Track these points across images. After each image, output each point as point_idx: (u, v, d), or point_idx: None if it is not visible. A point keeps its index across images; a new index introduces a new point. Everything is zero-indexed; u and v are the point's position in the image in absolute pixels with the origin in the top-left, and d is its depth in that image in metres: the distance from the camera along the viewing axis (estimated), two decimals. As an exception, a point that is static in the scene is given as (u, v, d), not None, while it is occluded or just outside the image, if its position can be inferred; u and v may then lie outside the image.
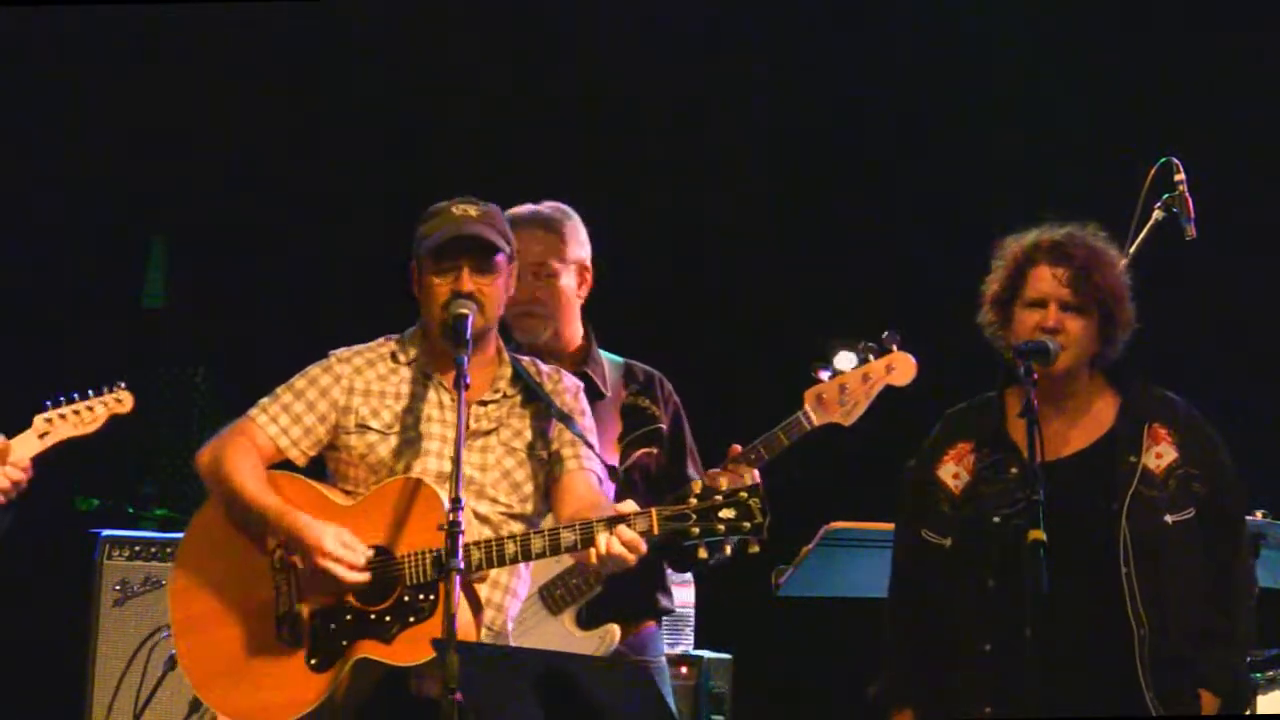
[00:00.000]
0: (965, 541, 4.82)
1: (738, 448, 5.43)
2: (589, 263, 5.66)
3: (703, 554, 4.70)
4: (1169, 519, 4.78)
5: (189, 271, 8.37)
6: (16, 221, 7.91)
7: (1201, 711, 4.73)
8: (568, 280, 5.60)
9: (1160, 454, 4.83)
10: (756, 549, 4.66)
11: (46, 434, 5.56)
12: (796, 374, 5.47)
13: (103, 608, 6.65)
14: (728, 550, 4.72)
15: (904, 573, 4.96)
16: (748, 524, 4.63)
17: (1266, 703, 6.02)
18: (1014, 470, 4.79)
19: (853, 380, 5.40)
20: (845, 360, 5.40)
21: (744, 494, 4.63)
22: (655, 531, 4.65)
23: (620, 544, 4.65)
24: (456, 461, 4.63)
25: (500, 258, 4.95)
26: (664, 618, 5.67)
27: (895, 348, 5.39)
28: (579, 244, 5.64)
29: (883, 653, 4.96)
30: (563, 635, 5.45)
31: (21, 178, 7.92)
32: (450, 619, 4.46)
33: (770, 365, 7.15)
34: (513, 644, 5.11)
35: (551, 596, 5.49)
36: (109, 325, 8.18)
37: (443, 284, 4.92)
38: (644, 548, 4.68)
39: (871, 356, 5.40)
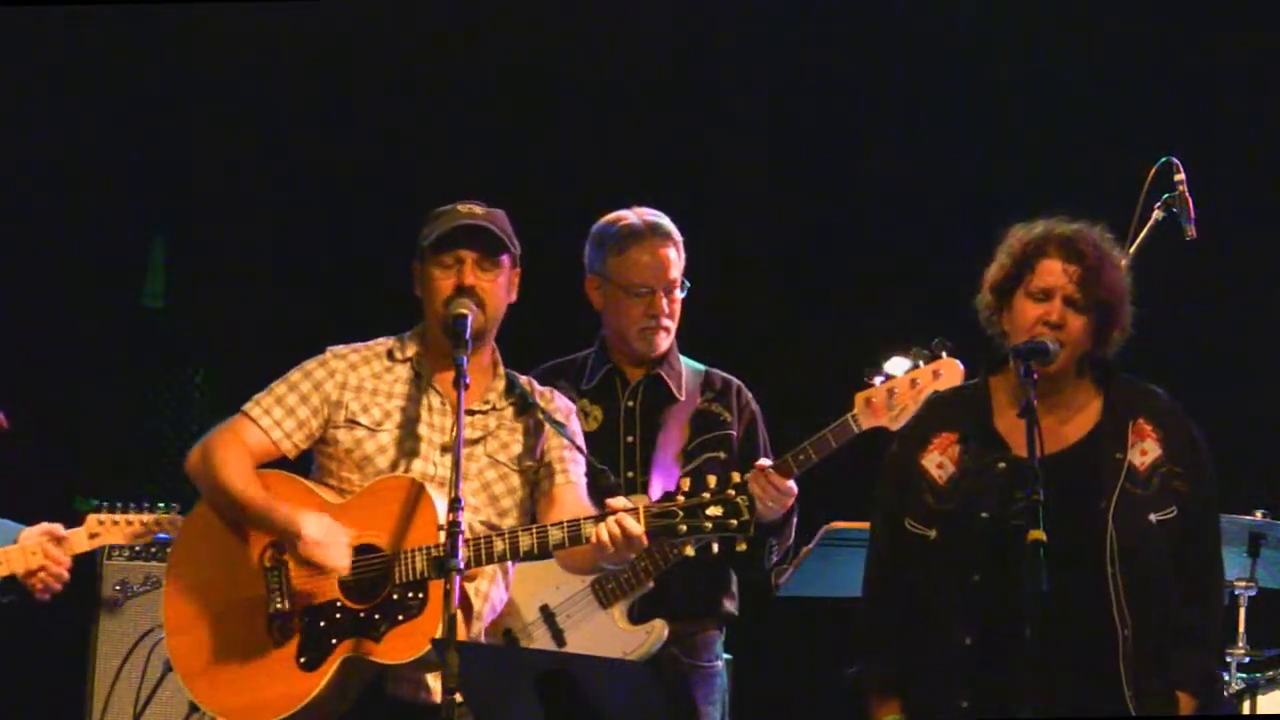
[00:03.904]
0: (950, 535, 4.80)
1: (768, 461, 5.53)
2: None
3: (689, 550, 4.74)
4: (1153, 518, 4.76)
5: (189, 271, 8.37)
6: (16, 221, 7.91)
7: (1179, 713, 4.73)
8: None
9: (1145, 450, 4.81)
10: (744, 547, 4.69)
11: (96, 535, 5.65)
12: (849, 376, 5.51)
13: (103, 608, 6.65)
14: (715, 549, 4.77)
15: (884, 560, 4.92)
16: (734, 521, 4.64)
17: (1266, 703, 6.02)
18: (1001, 465, 4.77)
19: (901, 385, 5.45)
20: (896, 365, 5.45)
21: (732, 492, 4.64)
22: (643, 527, 4.67)
23: (618, 528, 4.67)
24: (456, 463, 4.65)
25: (505, 257, 4.97)
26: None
27: (945, 354, 5.43)
28: None
29: (860, 639, 4.93)
30: (609, 628, 5.53)
31: (21, 177, 7.92)
32: (451, 619, 4.47)
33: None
34: (561, 634, 5.20)
35: (603, 589, 5.58)
36: (109, 325, 8.19)
37: (444, 278, 4.94)
38: (644, 540, 4.71)
39: (921, 362, 5.44)
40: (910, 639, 4.83)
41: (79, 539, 5.64)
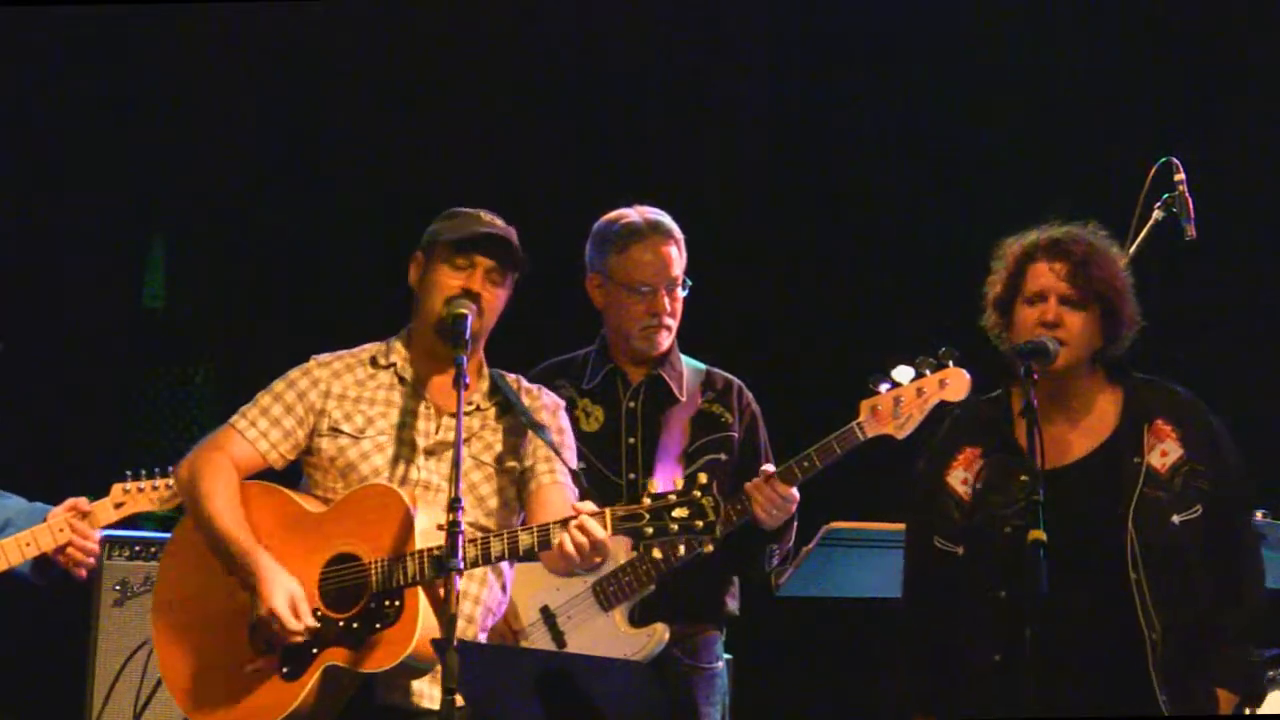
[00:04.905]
0: (976, 551, 4.80)
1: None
2: None
3: (657, 554, 4.70)
4: (1176, 519, 4.74)
5: (189, 271, 8.37)
6: (16, 221, 7.91)
7: (1219, 711, 4.71)
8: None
9: (1165, 451, 4.80)
10: (710, 549, 4.70)
11: (122, 504, 5.63)
12: (856, 384, 5.50)
13: (103, 608, 6.64)
14: (681, 550, 4.78)
15: (917, 578, 4.94)
16: (700, 523, 4.64)
17: (1267, 703, 6.02)
18: (1022, 478, 4.73)
19: (908, 393, 5.42)
20: (902, 373, 5.43)
21: (697, 493, 4.64)
22: (609, 531, 4.67)
23: (581, 535, 4.66)
24: (456, 462, 4.66)
25: (510, 277, 4.98)
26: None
27: (951, 363, 5.42)
28: None
29: (899, 656, 4.94)
30: (610, 631, 5.53)
31: (21, 177, 7.92)
32: (451, 620, 4.48)
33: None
34: (561, 636, 5.32)
35: (604, 592, 5.58)
36: (109, 325, 8.19)
37: (454, 277, 4.95)
38: (609, 543, 4.71)
39: (928, 371, 5.43)
40: (945, 656, 4.84)
41: (105, 510, 5.63)
